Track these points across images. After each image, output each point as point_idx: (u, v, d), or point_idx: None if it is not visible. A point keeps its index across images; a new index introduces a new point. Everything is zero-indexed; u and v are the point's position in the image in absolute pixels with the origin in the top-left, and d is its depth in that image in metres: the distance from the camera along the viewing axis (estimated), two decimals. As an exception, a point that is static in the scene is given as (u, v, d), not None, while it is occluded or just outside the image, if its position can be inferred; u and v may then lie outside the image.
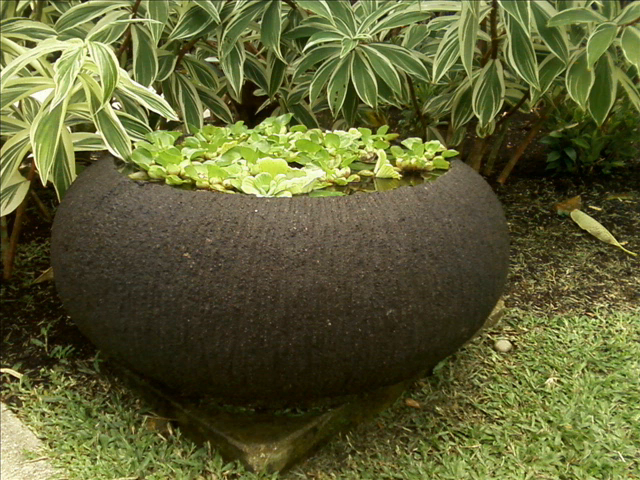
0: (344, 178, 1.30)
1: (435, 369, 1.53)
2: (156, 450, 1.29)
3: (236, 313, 1.09)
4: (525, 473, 1.25)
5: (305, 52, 1.87)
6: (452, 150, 1.44)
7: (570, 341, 1.67)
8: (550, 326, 1.73)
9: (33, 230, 2.22)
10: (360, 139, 1.52)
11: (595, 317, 1.77)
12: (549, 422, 1.38)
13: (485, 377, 1.53)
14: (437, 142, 1.46)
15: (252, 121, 2.33)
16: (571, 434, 1.34)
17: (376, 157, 1.42)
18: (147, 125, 1.52)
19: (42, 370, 1.53)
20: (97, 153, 2.56)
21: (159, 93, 1.93)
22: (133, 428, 1.35)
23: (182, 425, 1.33)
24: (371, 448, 1.32)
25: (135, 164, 1.35)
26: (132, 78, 1.62)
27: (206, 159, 1.38)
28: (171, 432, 1.34)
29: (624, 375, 1.53)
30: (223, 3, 1.83)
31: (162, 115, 1.48)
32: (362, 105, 2.06)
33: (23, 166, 1.63)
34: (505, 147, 3.07)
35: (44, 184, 1.35)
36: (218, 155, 1.39)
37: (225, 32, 1.81)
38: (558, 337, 1.68)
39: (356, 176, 1.33)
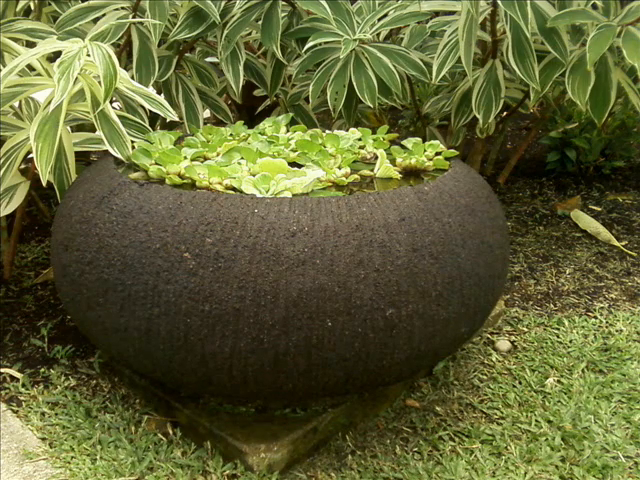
0: (344, 178, 1.30)
1: (435, 369, 1.53)
2: (156, 450, 1.29)
3: (236, 313, 1.09)
4: (525, 473, 1.25)
5: (305, 52, 1.87)
6: (452, 150, 1.44)
7: (570, 341, 1.67)
8: (550, 326, 1.73)
9: (33, 230, 2.22)
10: (360, 139, 1.52)
11: (595, 317, 1.77)
12: (549, 422, 1.38)
13: (485, 377, 1.53)
14: (437, 142, 1.46)
15: (252, 121, 2.32)
16: (571, 434, 1.34)
17: (376, 157, 1.42)
18: (147, 125, 1.52)
19: (42, 370, 1.53)
20: (97, 153, 2.56)
21: (159, 93, 1.93)
22: (133, 428, 1.35)
23: (182, 425, 1.33)
24: (371, 448, 1.32)
25: (135, 164, 1.35)
26: (132, 78, 1.62)
27: (206, 159, 1.38)
28: (171, 432, 1.34)
29: (624, 375, 1.53)
30: (223, 3, 1.83)
31: (162, 115, 1.48)
32: (362, 105, 2.06)
33: (23, 166, 1.63)
34: (505, 147, 3.07)
35: (44, 184, 1.35)
36: (218, 155, 1.39)
37: (225, 32, 1.81)
38: (558, 337, 1.68)
39: (356, 176, 1.33)
